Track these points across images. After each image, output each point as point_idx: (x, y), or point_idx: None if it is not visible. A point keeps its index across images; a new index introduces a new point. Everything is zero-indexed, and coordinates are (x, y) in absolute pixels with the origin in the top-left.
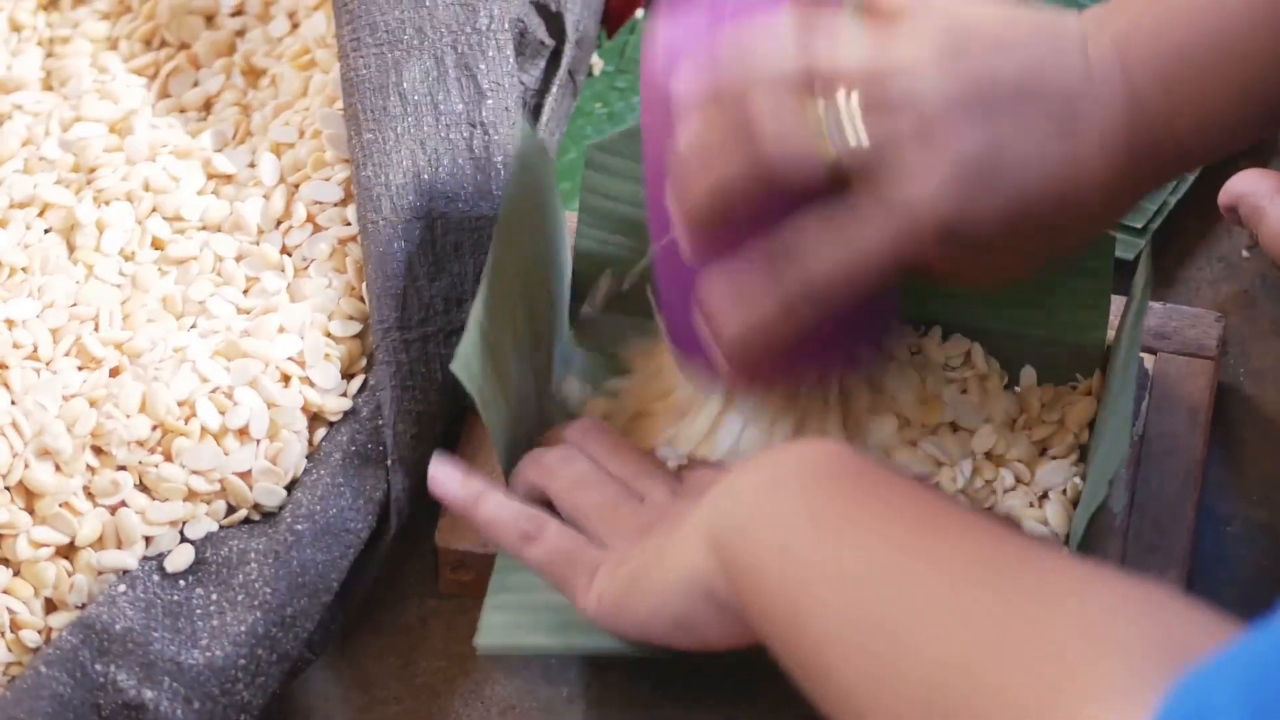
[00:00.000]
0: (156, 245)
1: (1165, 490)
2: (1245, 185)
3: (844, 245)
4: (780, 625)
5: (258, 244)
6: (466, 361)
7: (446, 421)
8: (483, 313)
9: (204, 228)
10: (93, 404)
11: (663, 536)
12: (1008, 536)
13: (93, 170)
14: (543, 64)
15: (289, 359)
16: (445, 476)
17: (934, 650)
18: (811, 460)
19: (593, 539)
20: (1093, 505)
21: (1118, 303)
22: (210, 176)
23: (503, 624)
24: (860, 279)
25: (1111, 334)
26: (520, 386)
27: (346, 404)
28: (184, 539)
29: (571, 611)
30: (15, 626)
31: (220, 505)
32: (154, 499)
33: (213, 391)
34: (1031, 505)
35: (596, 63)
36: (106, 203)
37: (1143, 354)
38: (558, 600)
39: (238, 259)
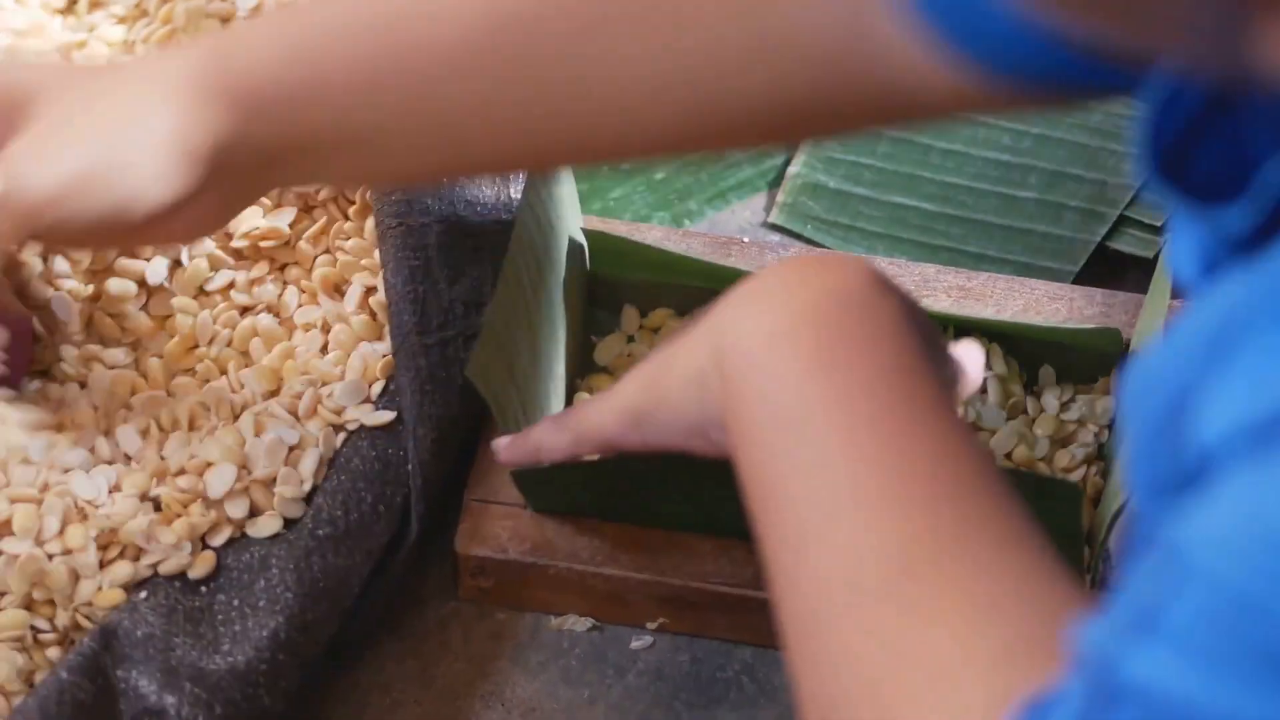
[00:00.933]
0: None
1: None
2: None
3: None
4: (755, 484)
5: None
6: (481, 366)
7: (467, 426)
8: (497, 317)
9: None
10: None
11: (669, 349)
12: (968, 500)
13: None
14: None
15: (310, 364)
16: (507, 447)
17: (849, 645)
18: (835, 299)
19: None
20: (1115, 505)
21: (1138, 300)
22: None
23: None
24: None
25: (1131, 333)
26: (537, 390)
27: (368, 410)
28: (205, 546)
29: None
30: (36, 632)
31: (242, 513)
32: None
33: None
34: None
35: None
36: None
37: None
38: None
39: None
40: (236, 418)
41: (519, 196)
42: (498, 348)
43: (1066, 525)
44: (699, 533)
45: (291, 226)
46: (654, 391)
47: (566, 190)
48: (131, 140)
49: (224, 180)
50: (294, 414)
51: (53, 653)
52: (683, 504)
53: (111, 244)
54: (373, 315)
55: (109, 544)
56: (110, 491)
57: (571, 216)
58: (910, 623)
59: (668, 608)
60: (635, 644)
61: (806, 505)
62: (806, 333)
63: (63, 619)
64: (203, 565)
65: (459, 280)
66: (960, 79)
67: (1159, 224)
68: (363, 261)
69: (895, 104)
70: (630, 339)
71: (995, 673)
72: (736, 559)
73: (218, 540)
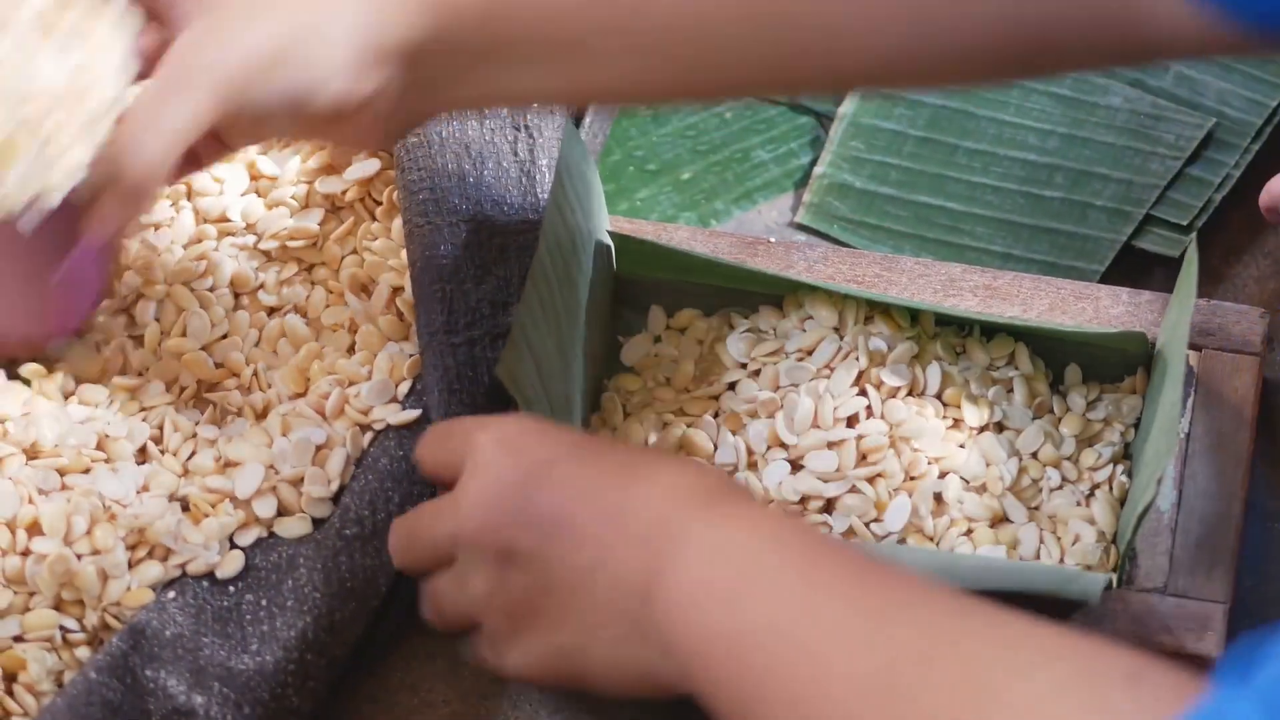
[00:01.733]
0: (199, 252)
1: (1212, 487)
2: None
3: None
4: (745, 698)
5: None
6: (510, 366)
7: None
8: (525, 316)
9: (248, 227)
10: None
11: (580, 620)
12: (941, 597)
13: None
14: None
15: (338, 364)
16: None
17: None
18: (777, 535)
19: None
20: (1141, 504)
21: (1164, 299)
22: (254, 178)
23: None
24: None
25: (1157, 331)
26: (563, 391)
27: (394, 409)
28: (234, 546)
29: None
30: (65, 632)
31: (270, 513)
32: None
33: None
34: (1079, 504)
35: None
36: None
37: (1187, 350)
38: None
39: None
40: (264, 417)
41: (546, 197)
42: (526, 348)
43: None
44: None
45: (320, 227)
46: (576, 681)
47: (594, 191)
48: (318, 28)
49: (408, 85)
50: (321, 414)
51: (82, 652)
52: None
53: (290, 133)
54: (399, 315)
55: (137, 544)
56: (138, 491)
57: (599, 217)
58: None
59: None
60: None
61: (801, 655)
62: (777, 556)
63: (92, 619)
64: (231, 565)
65: (485, 280)
66: (1210, 25)
67: (1185, 223)
68: (390, 261)
69: (1135, 45)
70: (657, 339)
71: None
72: None
73: (246, 540)
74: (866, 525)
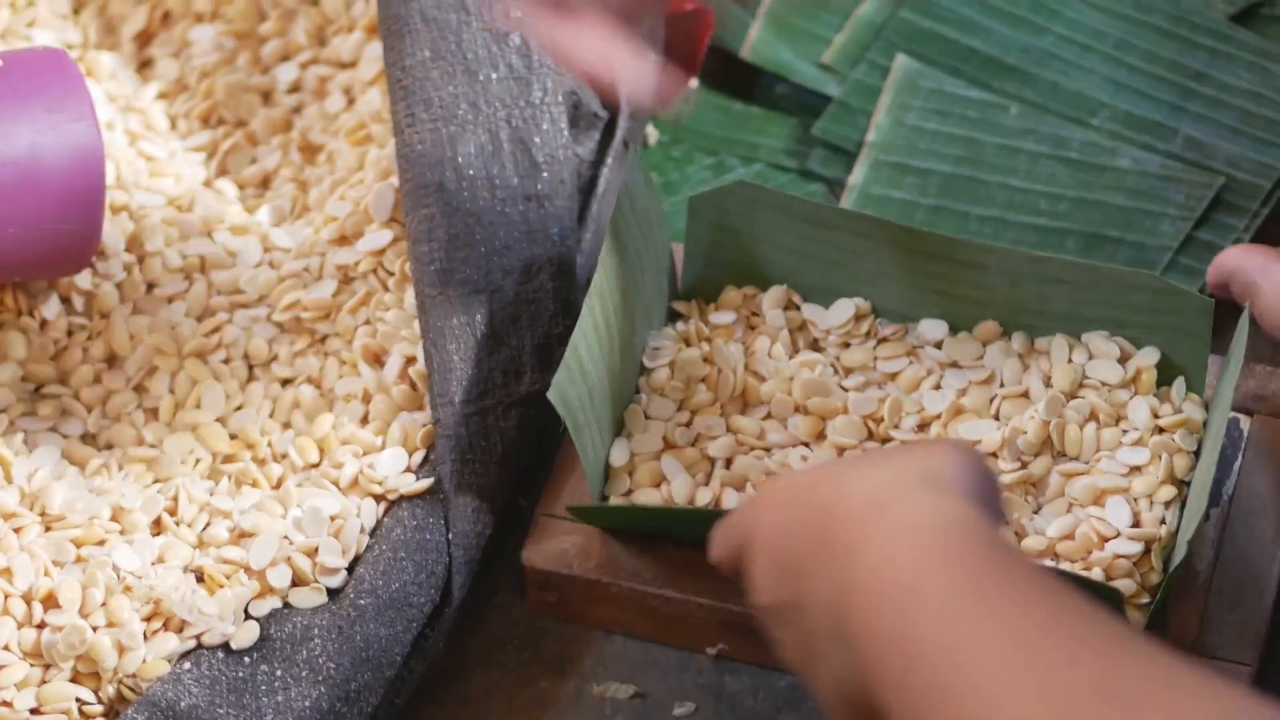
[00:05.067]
0: (214, 325)
1: (1250, 550)
2: (1234, 261)
3: None
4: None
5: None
6: (562, 390)
7: (507, 494)
8: (580, 340)
9: (262, 299)
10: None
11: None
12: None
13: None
14: (597, 135)
15: (351, 434)
16: None
17: None
18: (957, 535)
19: None
20: (1173, 562)
21: (1218, 362)
22: (267, 250)
23: None
24: None
25: (1210, 393)
26: (614, 411)
27: (408, 479)
28: (248, 616)
29: None
30: (81, 704)
31: (284, 583)
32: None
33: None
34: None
35: (651, 133)
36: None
37: (1240, 415)
38: None
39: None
40: (278, 488)
41: (556, 265)
42: (579, 372)
43: None
44: None
45: (332, 298)
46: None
47: (654, 218)
48: None
49: None
50: (335, 484)
51: (92, 709)
52: None
53: None
54: (413, 386)
55: (152, 616)
56: (153, 563)
57: (662, 242)
58: None
59: (729, 633)
60: (678, 710)
61: (969, 678)
62: (958, 560)
63: (108, 691)
64: (246, 635)
65: (498, 350)
66: None
67: (1196, 289)
68: (403, 332)
69: None
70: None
71: None
72: None
73: (261, 610)
74: None
